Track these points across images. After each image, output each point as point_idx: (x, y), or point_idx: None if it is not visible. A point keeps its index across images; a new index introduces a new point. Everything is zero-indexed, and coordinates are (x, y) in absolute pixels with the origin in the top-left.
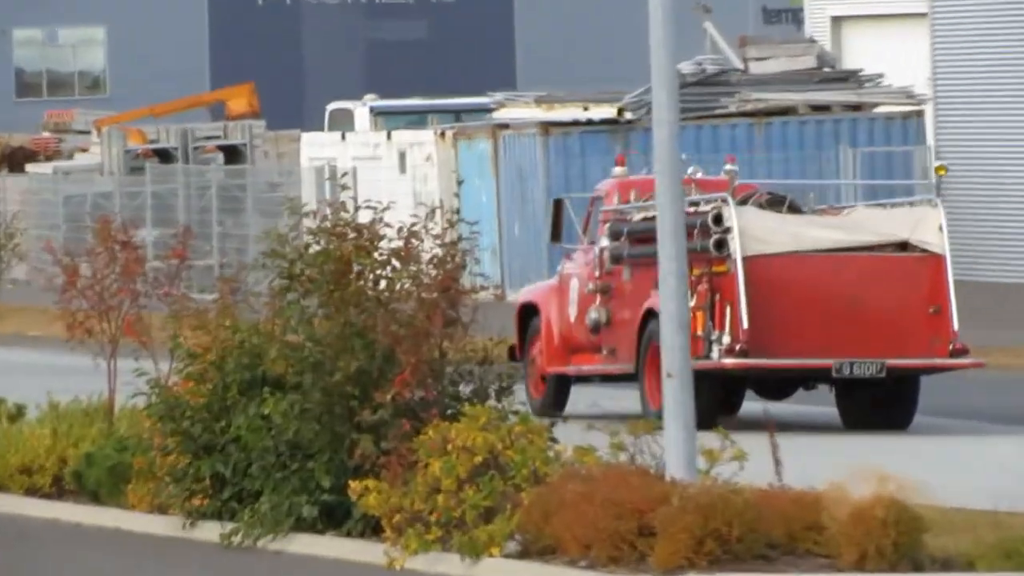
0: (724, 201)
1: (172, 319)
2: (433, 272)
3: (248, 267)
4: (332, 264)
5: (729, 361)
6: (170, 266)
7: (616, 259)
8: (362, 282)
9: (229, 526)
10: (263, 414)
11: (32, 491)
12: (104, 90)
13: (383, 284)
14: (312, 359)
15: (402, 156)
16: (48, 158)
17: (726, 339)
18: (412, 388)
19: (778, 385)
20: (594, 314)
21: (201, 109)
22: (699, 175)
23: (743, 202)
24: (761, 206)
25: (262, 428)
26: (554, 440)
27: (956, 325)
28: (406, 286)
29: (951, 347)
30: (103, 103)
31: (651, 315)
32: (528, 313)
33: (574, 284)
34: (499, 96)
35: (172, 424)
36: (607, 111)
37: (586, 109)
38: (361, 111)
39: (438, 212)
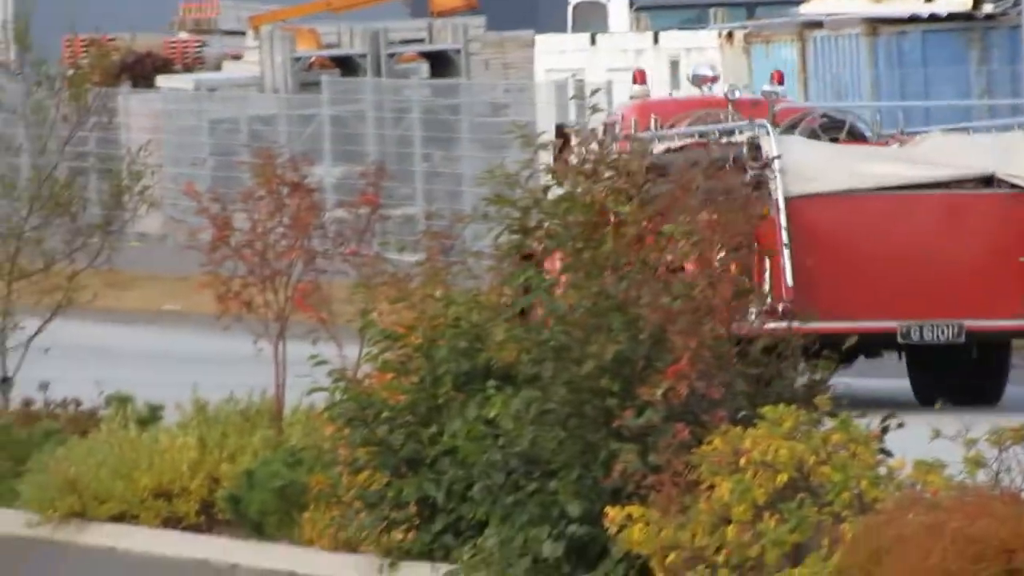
0: (763, 128)
1: (361, 288)
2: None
3: (464, 218)
4: (580, 214)
5: (770, 325)
6: (358, 216)
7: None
8: (621, 238)
9: (442, 568)
10: (487, 417)
11: (173, 522)
12: None
13: (650, 241)
14: (554, 343)
15: (674, 66)
16: (187, 68)
17: (767, 298)
18: (691, 382)
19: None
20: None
21: (397, 2)
22: (737, 95)
23: (790, 129)
24: (813, 133)
25: (486, 436)
26: (886, 452)
27: None
28: (681, 244)
29: None
30: None
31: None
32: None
33: None
34: None
35: (364, 430)
36: (957, 3)
37: (928, 1)
38: (617, 5)
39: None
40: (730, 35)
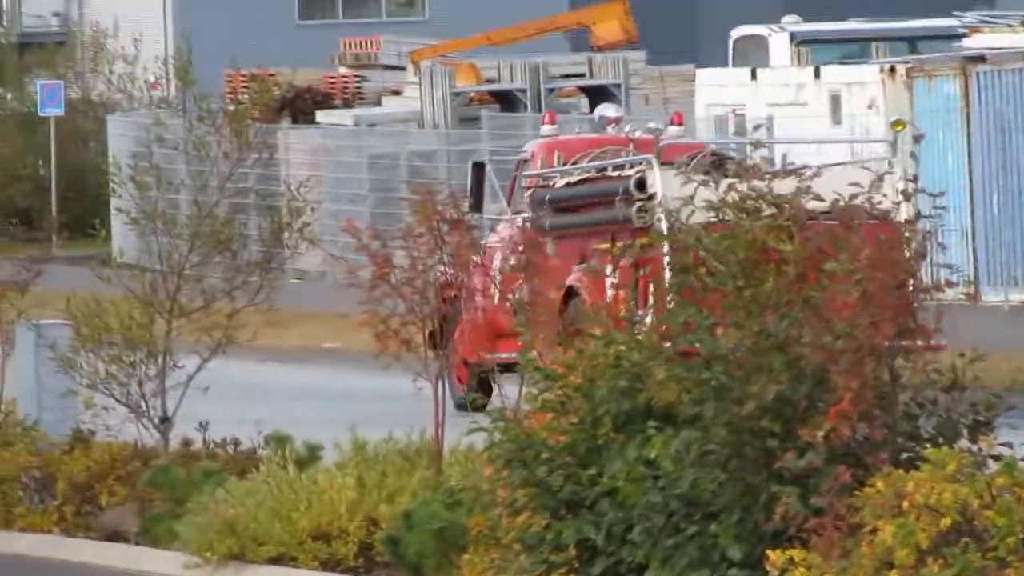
0: (648, 163)
1: (521, 326)
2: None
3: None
4: (741, 251)
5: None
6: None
7: (539, 230)
8: (783, 276)
9: None
10: (648, 458)
11: (331, 564)
12: (421, 10)
13: (813, 279)
14: (715, 383)
15: (835, 101)
16: (346, 103)
17: (650, 320)
18: (853, 423)
19: None
20: (516, 294)
21: (557, 36)
22: (637, 134)
23: (686, 164)
24: (705, 169)
25: (646, 478)
26: None
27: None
28: (843, 283)
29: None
30: (420, 28)
31: (573, 294)
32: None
33: (497, 260)
34: (971, 17)
35: (523, 471)
36: None
37: None
38: (778, 39)
39: (887, 178)
40: (892, 69)
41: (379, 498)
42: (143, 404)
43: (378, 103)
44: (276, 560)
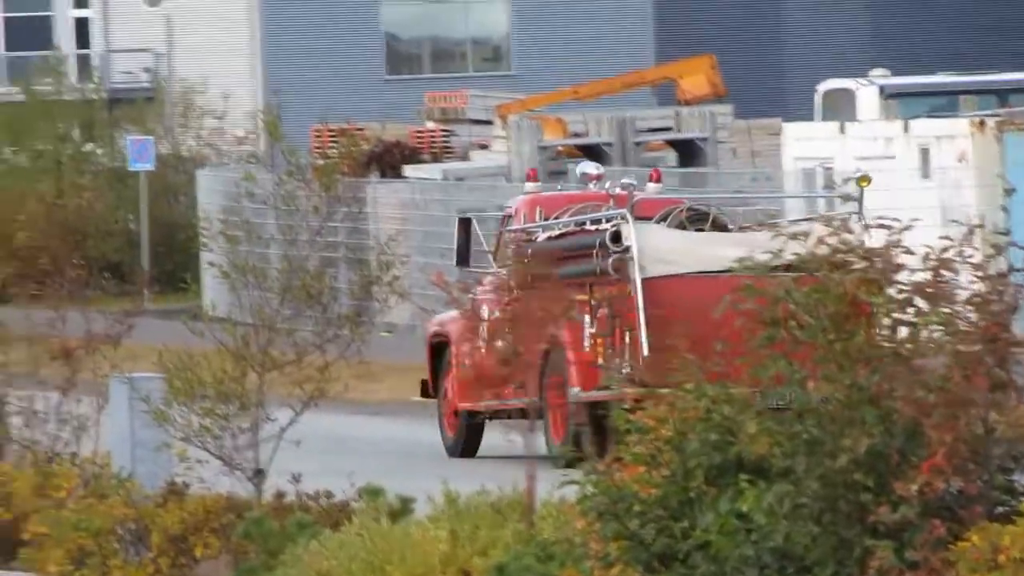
0: (623, 218)
1: (612, 379)
2: (973, 316)
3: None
4: (832, 304)
5: (630, 391)
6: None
7: (521, 284)
8: (874, 329)
9: None
10: (740, 511)
11: None
12: (507, 65)
13: (903, 332)
14: (806, 436)
15: (925, 154)
16: (434, 158)
17: (626, 368)
18: (947, 477)
19: None
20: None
21: (643, 91)
22: (617, 191)
23: (663, 219)
24: (681, 224)
25: (739, 531)
26: None
27: None
28: (936, 335)
29: None
30: (506, 82)
31: (554, 344)
32: (441, 345)
33: (484, 312)
34: None
35: (615, 524)
36: None
37: None
38: (867, 93)
39: (978, 232)
40: (982, 123)
41: (472, 551)
42: (236, 456)
43: (466, 157)
44: None
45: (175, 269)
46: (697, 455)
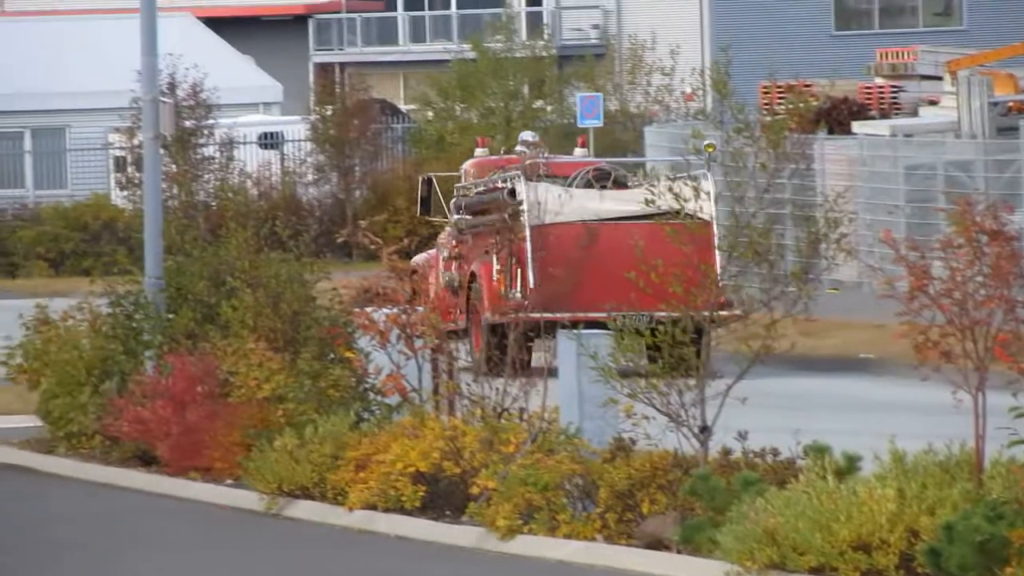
0: (516, 177)
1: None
2: None
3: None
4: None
5: (520, 315)
6: None
7: (460, 230)
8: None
9: None
10: None
11: (872, 574)
12: (959, 19)
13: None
14: None
15: None
16: (883, 114)
17: (518, 296)
18: None
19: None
20: (446, 277)
21: None
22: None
23: (576, 177)
24: (588, 182)
25: None
26: None
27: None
28: None
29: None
30: (957, 37)
31: (475, 278)
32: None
33: (442, 253)
34: None
35: None
36: None
37: None
38: None
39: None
40: None
41: (919, 510)
42: (683, 413)
43: (914, 113)
44: (817, 570)
45: None
46: None
